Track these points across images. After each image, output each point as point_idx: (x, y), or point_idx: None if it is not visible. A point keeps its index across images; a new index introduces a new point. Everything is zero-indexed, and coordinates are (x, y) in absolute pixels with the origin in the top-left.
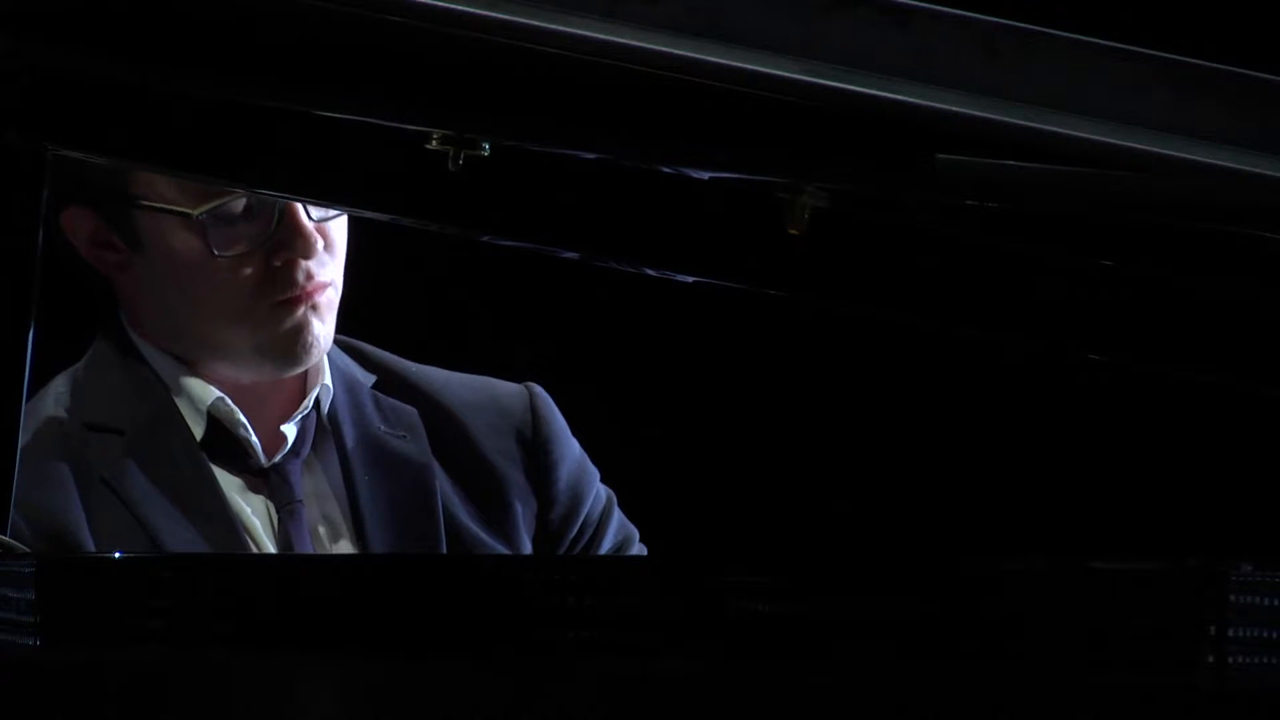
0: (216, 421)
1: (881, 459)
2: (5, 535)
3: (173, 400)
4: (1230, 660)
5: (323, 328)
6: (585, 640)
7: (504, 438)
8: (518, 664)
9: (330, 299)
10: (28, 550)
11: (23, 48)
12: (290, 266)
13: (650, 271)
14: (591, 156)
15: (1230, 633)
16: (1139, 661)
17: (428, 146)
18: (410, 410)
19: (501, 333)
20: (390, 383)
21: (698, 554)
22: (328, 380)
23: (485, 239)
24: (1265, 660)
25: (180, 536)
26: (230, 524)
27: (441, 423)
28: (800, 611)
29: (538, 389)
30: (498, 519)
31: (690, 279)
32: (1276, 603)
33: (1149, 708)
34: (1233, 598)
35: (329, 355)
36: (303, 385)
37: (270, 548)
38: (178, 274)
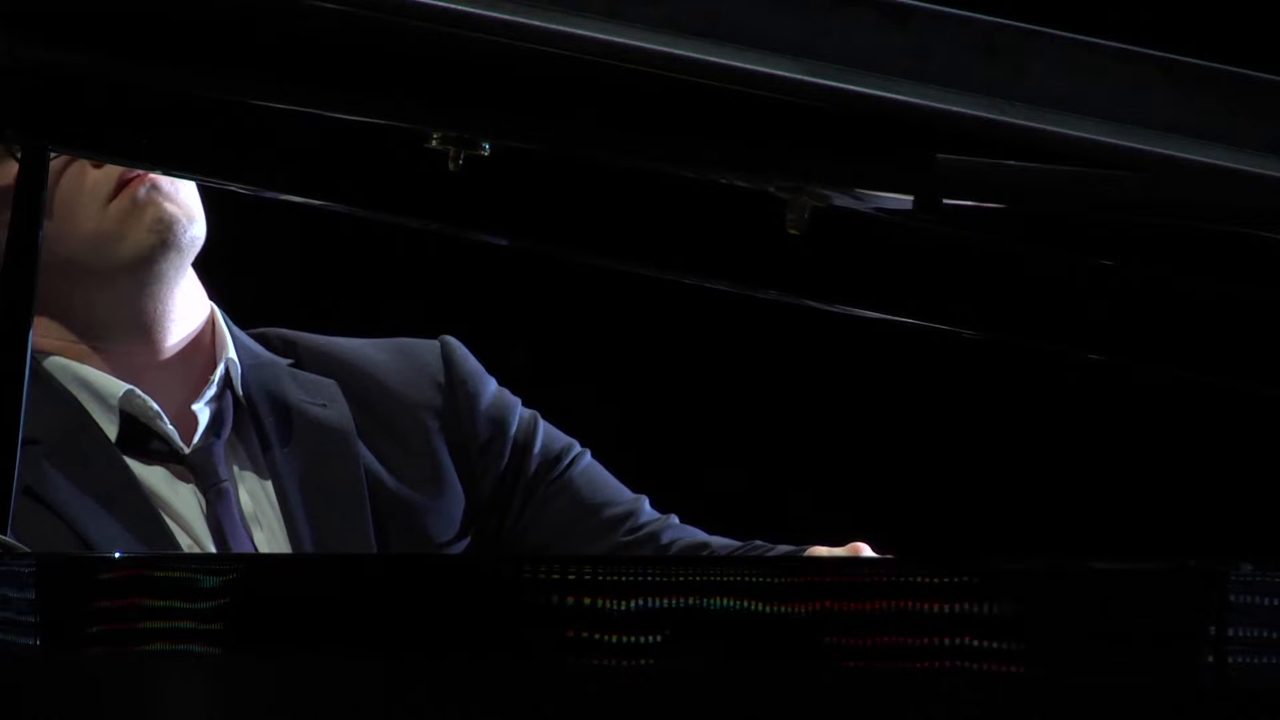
0: (130, 417)
1: (881, 459)
2: (5, 535)
3: (81, 405)
4: (1230, 660)
5: (175, 206)
6: (583, 641)
7: (422, 389)
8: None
9: (170, 180)
10: (28, 550)
11: (22, 48)
12: (104, 165)
13: (650, 272)
14: (591, 156)
15: (1230, 633)
16: (1139, 661)
17: (428, 146)
18: (329, 382)
19: (500, 333)
20: (306, 359)
21: (696, 554)
22: (233, 354)
23: (485, 239)
24: (1265, 660)
25: (108, 534)
26: (158, 520)
27: (361, 388)
28: (799, 611)
29: (450, 339)
30: (425, 475)
31: (690, 279)
32: (1276, 603)
33: (1149, 708)
34: (1233, 598)
35: (239, 340)
36: (210, 362)
37: (204, 535)
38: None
